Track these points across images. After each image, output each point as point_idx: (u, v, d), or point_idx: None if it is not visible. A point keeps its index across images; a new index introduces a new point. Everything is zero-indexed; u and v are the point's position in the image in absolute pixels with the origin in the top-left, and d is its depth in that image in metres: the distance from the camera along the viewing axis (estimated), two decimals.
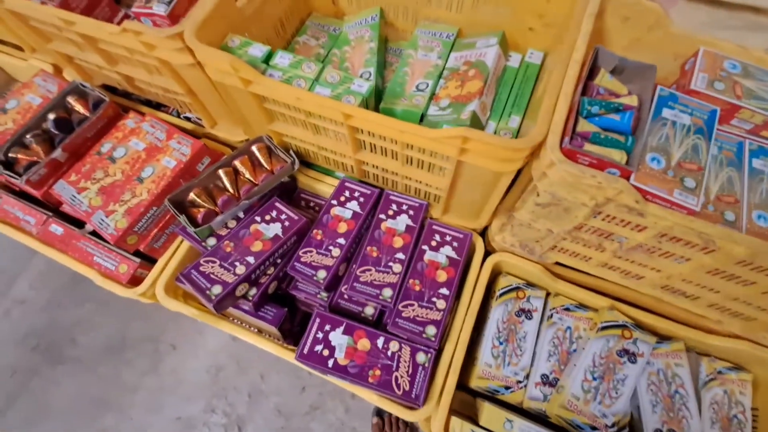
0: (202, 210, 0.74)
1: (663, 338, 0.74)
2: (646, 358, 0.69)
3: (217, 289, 0.63)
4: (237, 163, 0.79)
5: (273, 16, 0.80)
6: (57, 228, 0.81)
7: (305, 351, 0.67)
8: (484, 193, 0.68)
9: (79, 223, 0.84)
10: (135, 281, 0.78)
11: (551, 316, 0.77)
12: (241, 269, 0.66)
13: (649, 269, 0.66)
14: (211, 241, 0.75)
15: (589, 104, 0.53)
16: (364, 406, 1.22)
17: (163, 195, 0.75)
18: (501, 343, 0.74)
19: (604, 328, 0.71)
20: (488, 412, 0.67)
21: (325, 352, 0.67)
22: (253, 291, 0.71)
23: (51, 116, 0.84)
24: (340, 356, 0.67)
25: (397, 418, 1.12)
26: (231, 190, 0.78)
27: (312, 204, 0.88)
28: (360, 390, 0.68)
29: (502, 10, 0.74)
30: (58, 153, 0.81)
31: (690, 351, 0.74)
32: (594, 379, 0.68)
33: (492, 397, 0.73)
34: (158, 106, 1.02)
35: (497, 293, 0.78)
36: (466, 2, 0.76)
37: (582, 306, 0.77)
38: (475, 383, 0.72)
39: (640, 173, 0.51)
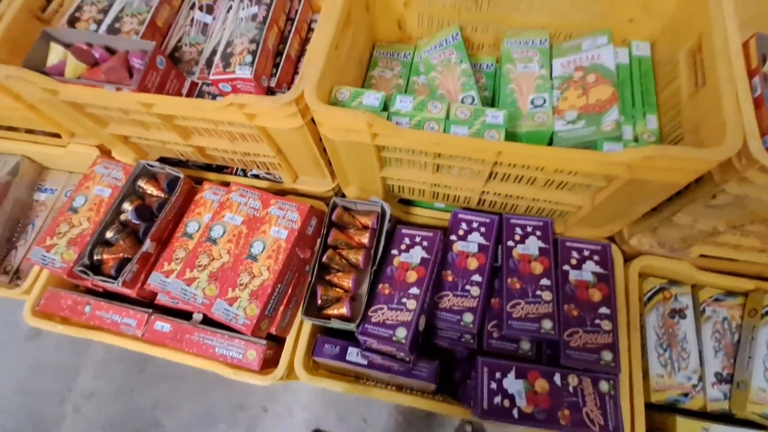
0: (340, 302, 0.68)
1: None
2: None
3: (401, 332, 0.58)
4: (330, 241, 0.73)
5: (356, 55, 0.74)
6: (163, 325, 0.75)
7: (485, 407, 0.63)
8: (636, 204, 0.64)
9: (179, 315, 0.77)
10: (265, 365, 0.72)
11: (704, 310, 0.74)
12: (412, 303, 0.61)
13: None
14: None
15: None
16: None
17: (285, 270, 0.69)
18: (665, 350, 0.71)
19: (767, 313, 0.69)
20: (682, 426, 0.65)
21: (506, 403, 0.63)
22: (403, 332, 0.64)
23: (127, 206, 0.77)
24: (522, 404, 0.63)
25: None
26: (343, 269, 0.72)
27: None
28: None
29: (601, 6, 0.70)
30: (147, 246, 0.74)
31: None
32: None
33: (677, 409, 0.70)
34: (219, 169, 0.95)
35: (644, 299, 0.75)
36: (559, 2, 0.72)
37: (730, 293, 0.75)
38: (654, 398, 0.69)
39: None
